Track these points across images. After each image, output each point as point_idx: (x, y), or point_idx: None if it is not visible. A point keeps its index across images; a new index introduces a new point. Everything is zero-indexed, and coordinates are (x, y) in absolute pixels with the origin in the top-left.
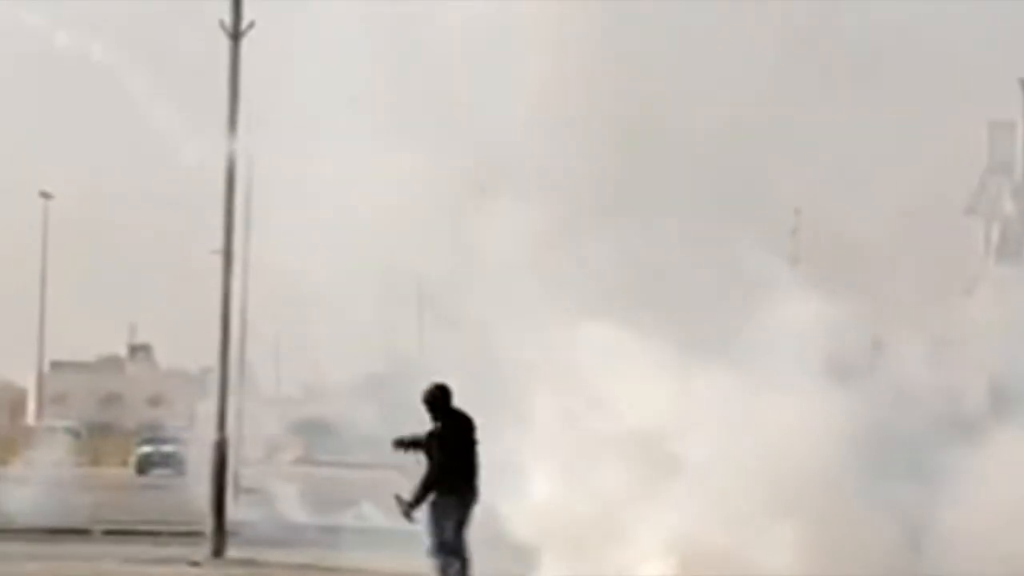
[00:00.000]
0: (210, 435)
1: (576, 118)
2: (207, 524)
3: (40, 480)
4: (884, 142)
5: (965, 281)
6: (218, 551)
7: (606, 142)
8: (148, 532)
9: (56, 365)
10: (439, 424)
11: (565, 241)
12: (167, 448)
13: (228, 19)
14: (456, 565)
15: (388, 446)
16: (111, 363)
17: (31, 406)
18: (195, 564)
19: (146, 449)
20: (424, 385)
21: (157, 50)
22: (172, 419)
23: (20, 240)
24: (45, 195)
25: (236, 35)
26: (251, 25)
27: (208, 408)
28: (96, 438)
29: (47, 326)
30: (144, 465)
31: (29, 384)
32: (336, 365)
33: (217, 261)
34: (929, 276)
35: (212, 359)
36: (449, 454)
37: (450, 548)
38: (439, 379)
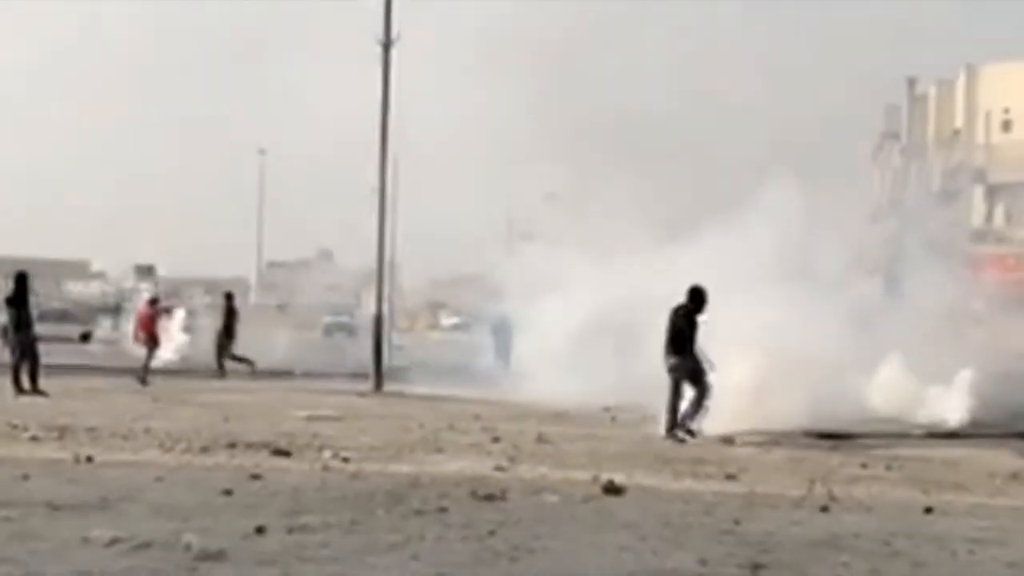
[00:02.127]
0: (371, 310)
1: None
2: (370, 369)
3: (257, 338)
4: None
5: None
6: (378, 386)
7: None
8: (330, 374)
9: (269, 264)
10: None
11: None
12: (343, 319)
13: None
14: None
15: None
16: (304, 262)
17: (253, 291)
18: (362, 395)
19: (329, 319)
20: None
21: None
22: (346, 299)
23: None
24: (261, 152)
25: (387, 45)
26: (399, 36)
27: (370, 292)
28: (294, 312)
29: (264, 239)
30: (328, 330)
31: (252, 276)
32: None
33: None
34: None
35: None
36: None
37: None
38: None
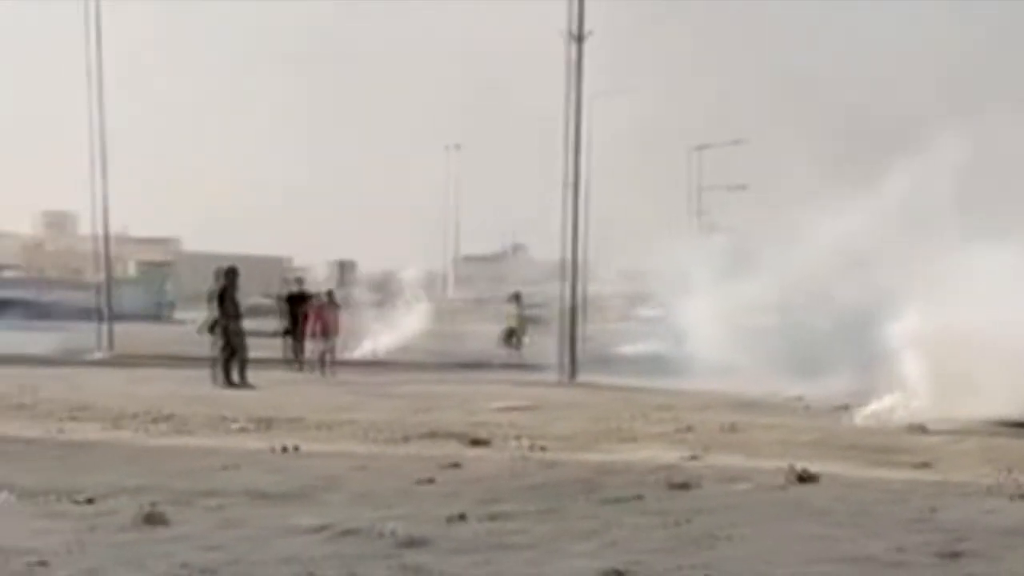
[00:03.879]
0: (565, 301)
1: None
2: (563, 360)
3: (453, 333)
4: None
5: None
6: (570, 376)
7: None
8: (523, 365)
9: (465, 258)
10: None
11: None
12: (535, 311)
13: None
14: None
15: None
16: (498, 256)
17: (450, 283)
18: (555, 385)
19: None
20: None
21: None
22: (538, 293)
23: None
24: (456, 147)
25: (580, 38)
26: (591, 32)
27: (563, 285)
28: (490, 305)
29: (461, 233)
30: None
31: (448, 270)
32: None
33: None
34: None
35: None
36: None
37: None
38: None
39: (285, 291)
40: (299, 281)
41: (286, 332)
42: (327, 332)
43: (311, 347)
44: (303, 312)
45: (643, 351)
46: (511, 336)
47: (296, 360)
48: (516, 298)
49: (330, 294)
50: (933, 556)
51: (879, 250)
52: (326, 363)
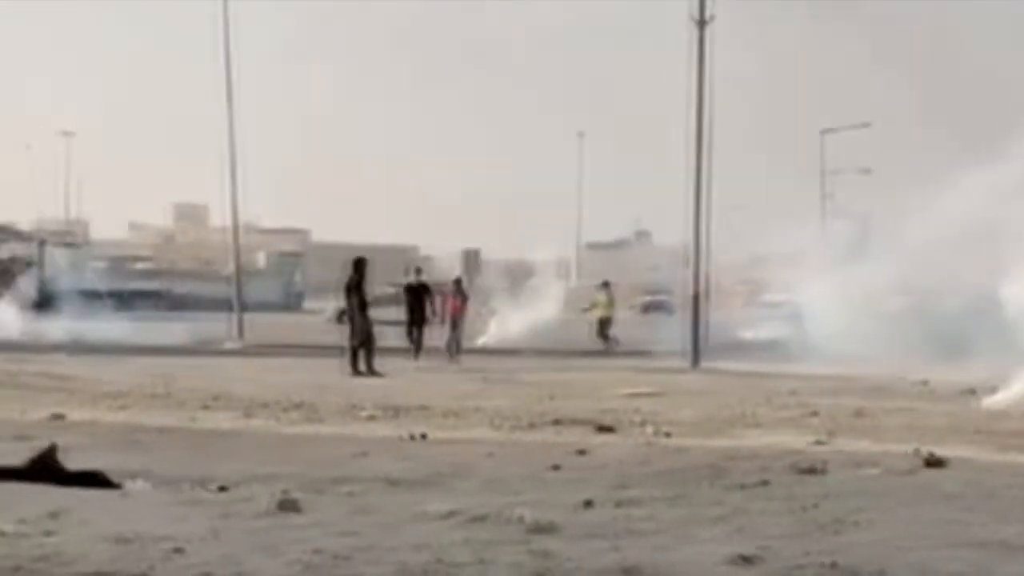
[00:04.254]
0: (688, 288)
1: None
2: (688, 347)
3: (579, 320)
4: None
5: None
6: (696, 362)
7: None
8: (649, 352)
9: (589, 245)
10: None
11: None
12: (661, 297)
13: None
14: None
15: None
16: (622, 242)
17: (572, 272)
18: (680, 372)
19: (647, 298)
20: None
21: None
22: (662, 279)
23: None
24: (580, 134)
25: (702, 23)
26: (713, 17)
27: (685, 272)
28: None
29: (583, 220)
30: (646, 308)
31: (571, 257)
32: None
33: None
34: None
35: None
36: None
37: None
38: None
39: (404, 282)
40: (418, 271)
41: (409, 321)
42: (455, 320)
43: (440, 335)
44: (422, 302)
45: (767, 336)
46: (603, 327)
47: (414, 349)
48: (605, 286)
49: (457, 282)
50: None
51: (1008, 228)
52: (452, 351)
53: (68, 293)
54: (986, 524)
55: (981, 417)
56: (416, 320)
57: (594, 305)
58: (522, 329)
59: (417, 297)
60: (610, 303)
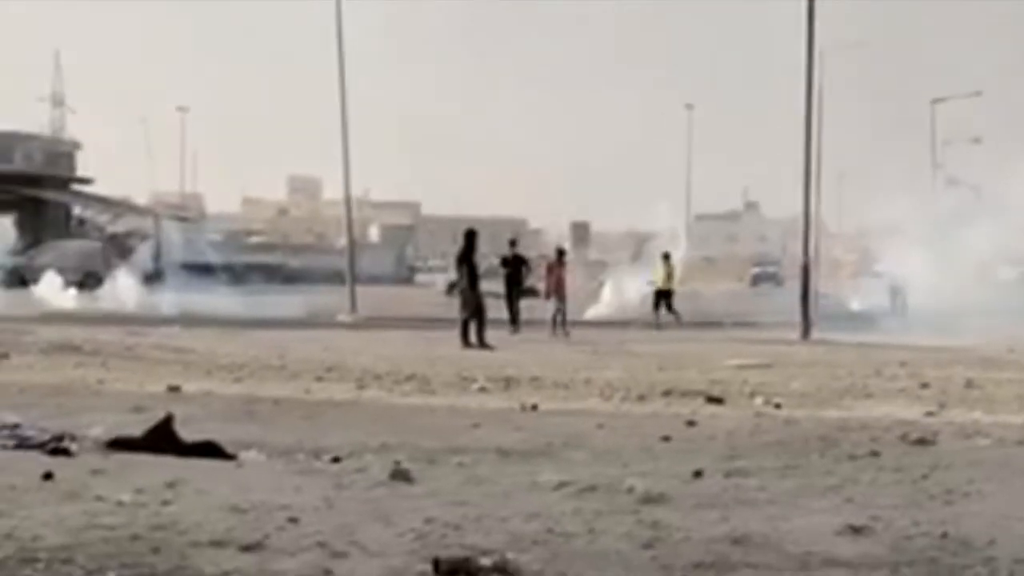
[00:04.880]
0: (797, 260)
1: None
2: (797, 318)
3: (689, 292)
4: None
5: None
6: (805, 334)
7: None
8: (758, 323)
9: (698, 217)
10: None
11: None
12: (770, 269)
13: None
14: None
15: None
16: (732, 214)
17: (682, 244)
18: (790, 343)
19: (756, 270)
20: None
21: None
22: (772, 250)
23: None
24: (689, 106)
25: None
26: None
27: (795, 243)
28: (724, 263)
29: (692, 193)
30: (756, 280)
31: (680, 228)
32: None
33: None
34: None
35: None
36: None
37: None
38: None
39: (502, 255)
40: (512, 244)
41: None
42: (559, 292)
43: (546, 308)
44: (519, 274)
45: (870, 307)
46: (660, 300)
47: (511, 321)
48: (666, 258)
49: (560, 253)
50: None
51: None
52: (557, 322)
53: (183, 267)
54: None
55: None
56: (513, 293)
57: (655, 277)
58: (633, 301)
59: (515, 269)
60: (669, 276)
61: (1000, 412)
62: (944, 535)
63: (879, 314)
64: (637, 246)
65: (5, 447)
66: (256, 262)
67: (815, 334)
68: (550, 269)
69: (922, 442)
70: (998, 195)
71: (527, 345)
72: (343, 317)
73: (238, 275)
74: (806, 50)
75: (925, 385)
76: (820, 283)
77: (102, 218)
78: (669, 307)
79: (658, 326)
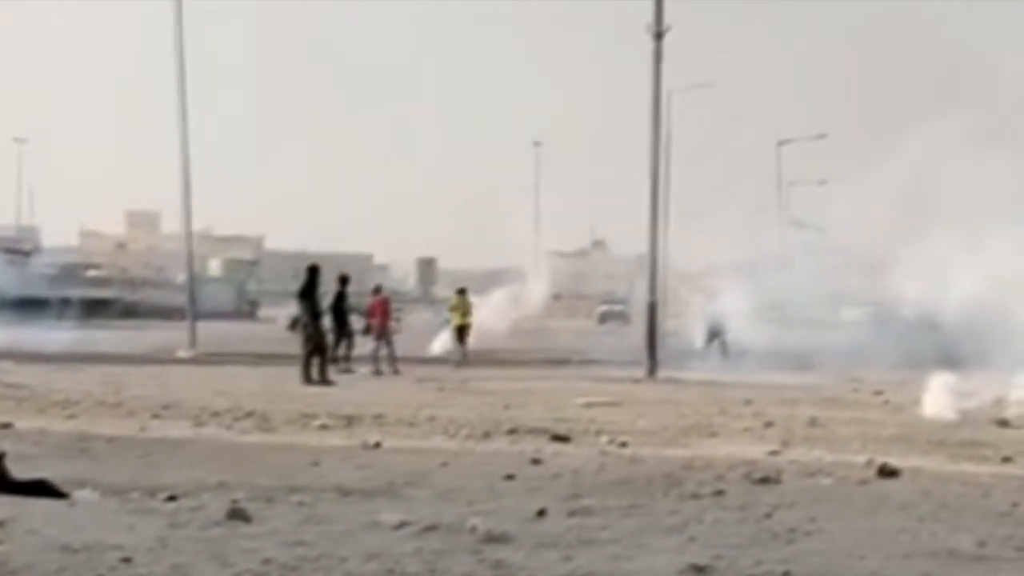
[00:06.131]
0: (644, 299)
1: None
2: (644, 356)
3: (535, 329)
4: None
5: None
6: (652, 372)
7: None
8: (605, 361)
9: (547, 253)
10: None
11: None
12: (618, 307)
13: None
14: None
15: None
16: (579, 252)
17: (543, 280)
18: (637, 381)
19: (604, 308)
20: None
21: None
22: (619, 289)
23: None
24: (537, 143)
25: (658, 35)
26: (670, 27)
27: (642, 281)
28: (571, 301)
29: (541, 229)
30: (603, 318)
31: (543, 264)
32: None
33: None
34: None
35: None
36: None
37: None
38: None
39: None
40: (343, 281)
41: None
42: (381, 328)
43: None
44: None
45: (700, 345)
46: (461, 333)
47: (341, 358)
48: (462, 292)
49: (377, 290)
50: (1016, 550)
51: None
52: (378, 359)
53: (16, 301)
54: (938, 534)
55: (935, 427)
56: (342, 330)
57: (453, 312)
58: (480, 338)
59: (344, 306)
60: (466, 311)
61: (843, 451)
62: (786, 573)
63: (707, 353)
64: (486, 283)
65: None
66: (93, 296)
67: (662, 373)
68: (371, 308)
69: (765, 481)
70: (841, 236)
71: (371, 382)
72: (182, 353)
73: (74, 309)
74: (652, 90)
75: (769, 424)
76: (667, 322)
77: None
78: (461, 341)
79: (458, 363)
